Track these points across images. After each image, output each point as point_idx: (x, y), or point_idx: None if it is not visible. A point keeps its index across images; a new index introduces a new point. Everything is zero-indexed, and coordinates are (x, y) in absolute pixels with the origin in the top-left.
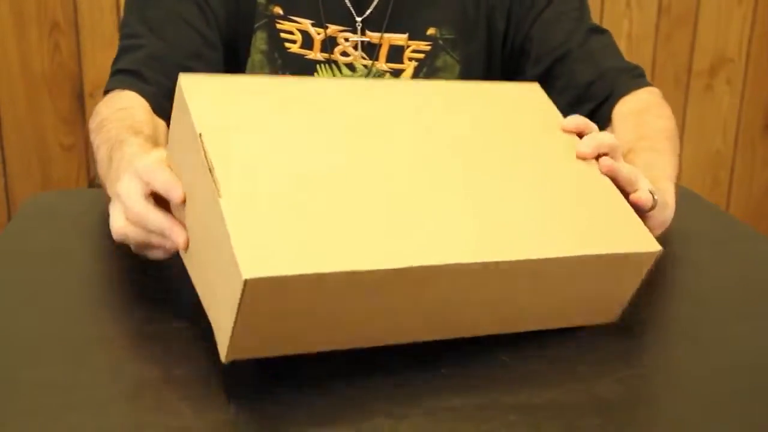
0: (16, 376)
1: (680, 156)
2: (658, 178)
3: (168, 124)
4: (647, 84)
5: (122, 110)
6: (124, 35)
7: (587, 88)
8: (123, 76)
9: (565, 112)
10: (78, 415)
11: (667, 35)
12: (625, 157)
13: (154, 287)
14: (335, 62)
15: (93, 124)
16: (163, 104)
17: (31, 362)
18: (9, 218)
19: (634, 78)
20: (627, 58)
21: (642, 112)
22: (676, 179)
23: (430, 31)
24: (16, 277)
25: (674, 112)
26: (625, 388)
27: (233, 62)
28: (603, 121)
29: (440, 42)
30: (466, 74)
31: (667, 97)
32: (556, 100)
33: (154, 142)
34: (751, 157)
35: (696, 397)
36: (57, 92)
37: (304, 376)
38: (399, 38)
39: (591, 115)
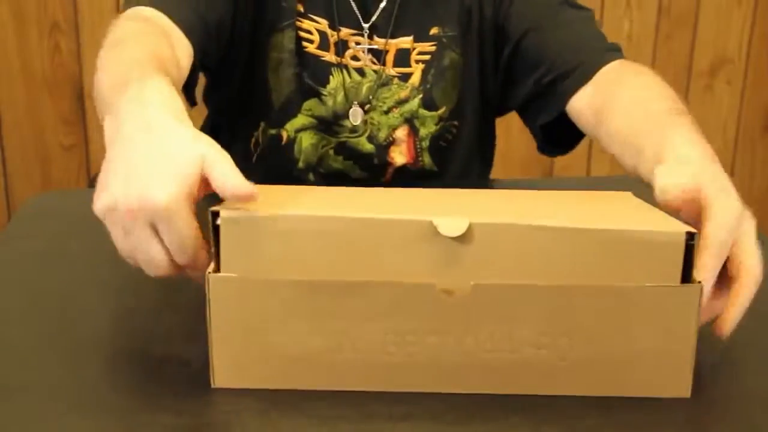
0: (15, 376)
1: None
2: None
3: (194, 58)
4: (620, 57)
5: (145, 35)
6: None
7: (555, 59)
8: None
9: (533, 88)
10: (77, 415)
11: (667, 35)
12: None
13: (154, 288)
14: (346, 66)
15: (109, 38)
16: (199, 34)
17: (30, 362)
18: (9, 218)
19: (607, 51)
20: (627, 58)
21: (642, 99)
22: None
23: (434, 30)
24: (16, 277)
25: None
26: None
27: (250, 55)
28: (568, 93)
29: (444, 40)
30: (467, 70)
31: None
32: (525, 83)
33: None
34: (751, 157)
35: (696, 396)
36: (57, 92)
37: None
38: (405, 41)
39: (554, 85)
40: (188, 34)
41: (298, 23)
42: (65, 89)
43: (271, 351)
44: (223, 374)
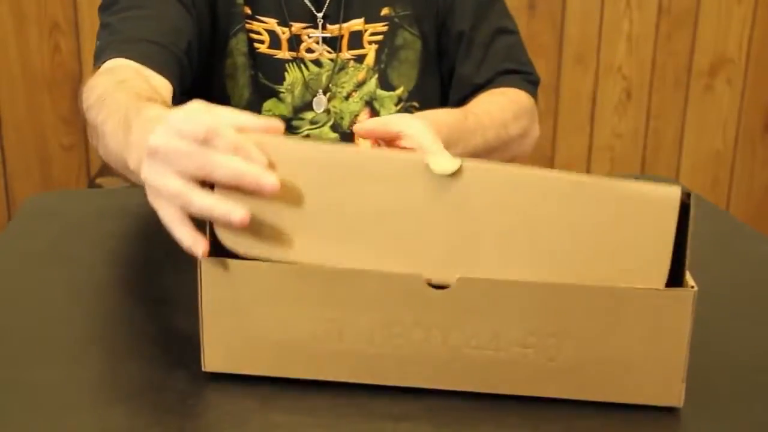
0: (15, 376)
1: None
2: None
3: (175, 87)
4: (530, 90)
5: (122, 83)
6: (120, 9)
7: (472, 83)
8: (132, 45)
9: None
10: (77, 415)
11: (667, 35)
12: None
13: (155, 288)
14: (302, 60)
15: (90, 99)
16: (173, 70)
17: (30, 362)
18: (9, 218)
19: (520, 81)
20: (627, 58)
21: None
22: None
23: (385, 11)
24: (16, 277)
25: (674, 112)
26: None
27: (207, 66)
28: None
29: (396, 20)
30: (426, 50)
31: (667, 97)
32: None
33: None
34: (751, 157)
35: (697, 395)
36: (57, 92)
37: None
38: (356, 24)
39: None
40: (163, 73)
41: (247, 26)
42: (65, 89)
43: (260, 337)
44: (213, 358)
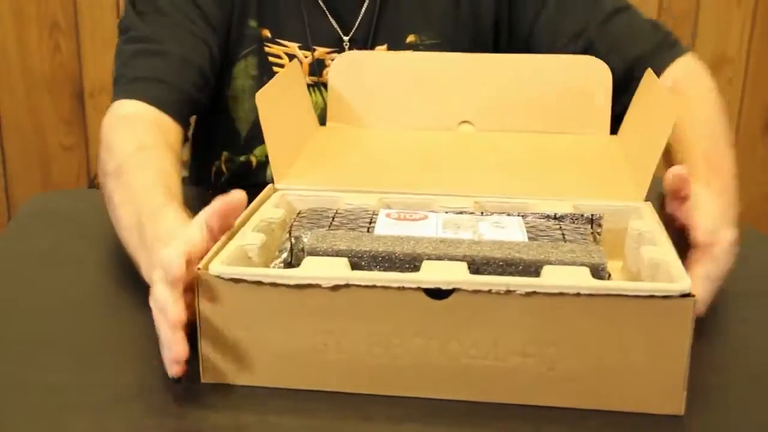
0: (16, 377)
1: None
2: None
3: (185, 129)
4: (676, 56)
5: (141, 151)
6: (133, 38)
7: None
8: (144, 85)
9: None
10: (78, 417)
11: None
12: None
13: None
14: (324, 84)
15: (109, 165)
16: (182, 110)
17: (31, 363)
18: (9, 218)
19: (661, 56)
20: None
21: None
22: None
23: (410, 38)
24: (16, 277)
25: None
26: None
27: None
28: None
29: (421, 48)
30: None
31: None
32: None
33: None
34: (751, 157)
35: (697, 394)
36: (57, 92)
37: None
38: (380, 50)
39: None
40: (173, 115)
41: (266, 48)
42: (65, 89)
43: (258, 349)
44: (211, 370)
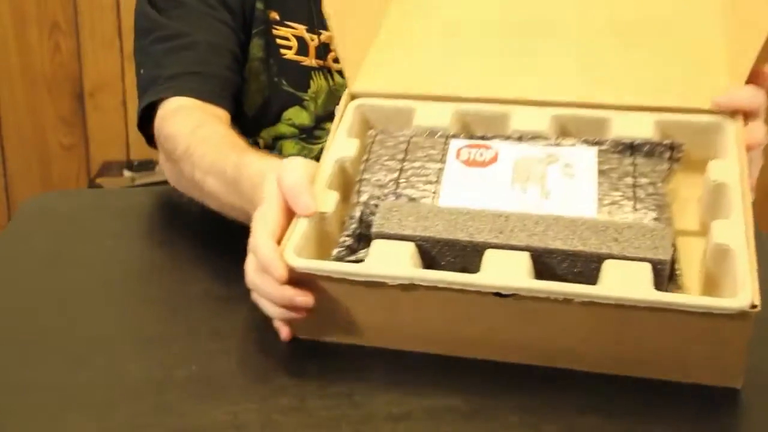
0: (16, 376)
1: None
2: None
3: (231, 110)
4: None
5: (200, 128)
6: (161, 38)
7: None
8: (183, 80)
9: None
10: (78, 415)
11: None
12: None
13: (155, 288)
14: (328, 69)
15: (177, 151)
16: (222, 94)
17: (31, 362)
18: (9, 218)
19: None
20: None
21: None
22: None
23: None
24: (16, 277)
25: None
26: (624, 386)
27: None
28: None
29: None
30: None
31: None
32: None
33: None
34: None
35: (697, 395)
36: (57, 92)
37: (304, 378)
38: None
39: None
40: (218, 103)
41: (274, 31)
42: (65, 89)
43: (339, 319)
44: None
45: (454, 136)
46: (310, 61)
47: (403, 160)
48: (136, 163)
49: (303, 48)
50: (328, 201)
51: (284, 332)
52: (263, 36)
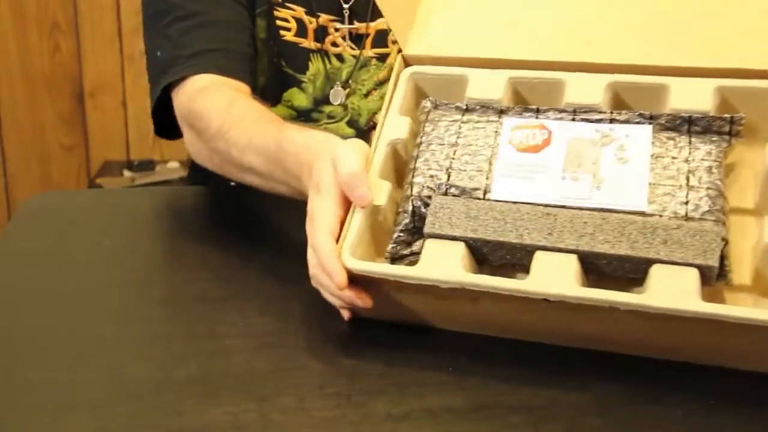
0: (16, 376)
1: None
2: None
3: (253, 84)
4: None
5: (232, 105)
6: (178, 18)
7: None
8: (206, 57)
9: None
10: (78, 415)
11: None
12: None
13: (155, 288)
14: (326, 52)
15: (209, 131)
16: (245, 69)
17: (31, 362)
18: (9, 218)
19: None
20: None
21: None
22: None
23: None
24: (16, 277)
25: None
26: (625, 387)
27: None
28: None
29: None
30: None
31: None
32: None
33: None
34: None
35: (698, 395)
36: (57, 92)
37: (304, 378)
38: (382, 22)
39: None
40: (241, 78)
41: (275, 12)
42: (65, 89)
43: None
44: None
45: (508, 109)
46: (309, 43)
47: (455, 144)
48: (136, 163)
49: (302, 30)
50: (382, 193)
51: (346, 315)
52: (265, 16)
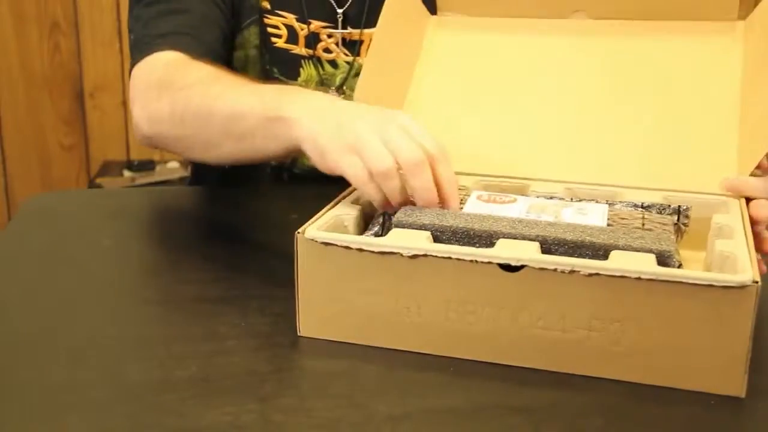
0: (15, 376)
1: None
2: None
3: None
4: None
5: (207, 76)
6: (153, 1)
7: None
8: (175, 38)
9: None
10: (78, 415)
11: None
12: None
13: (154, 288)
14: (318, 58)
15: (187, 78)
16: (211, 56)
17: (31, 362)
18: (9, 218)
19: None
20: None
21: None
22: None
23: None
24: (16, 277)
25: None
26: (626, 388)
27: None
28: None
29: None
30: None
31: None
32: None
33: None
34: None
35: (699, 395)
36: (57, 92)
37: (304, 378)
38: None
39: None
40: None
41: (265, 20)
42: (65, 89)
43: (347, 307)
44: (307, 325)
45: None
46: (300, 49)
47: None
48: (136, 163)
49: (293, 37)
50: (352, 209)
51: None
52: (258, 24)
